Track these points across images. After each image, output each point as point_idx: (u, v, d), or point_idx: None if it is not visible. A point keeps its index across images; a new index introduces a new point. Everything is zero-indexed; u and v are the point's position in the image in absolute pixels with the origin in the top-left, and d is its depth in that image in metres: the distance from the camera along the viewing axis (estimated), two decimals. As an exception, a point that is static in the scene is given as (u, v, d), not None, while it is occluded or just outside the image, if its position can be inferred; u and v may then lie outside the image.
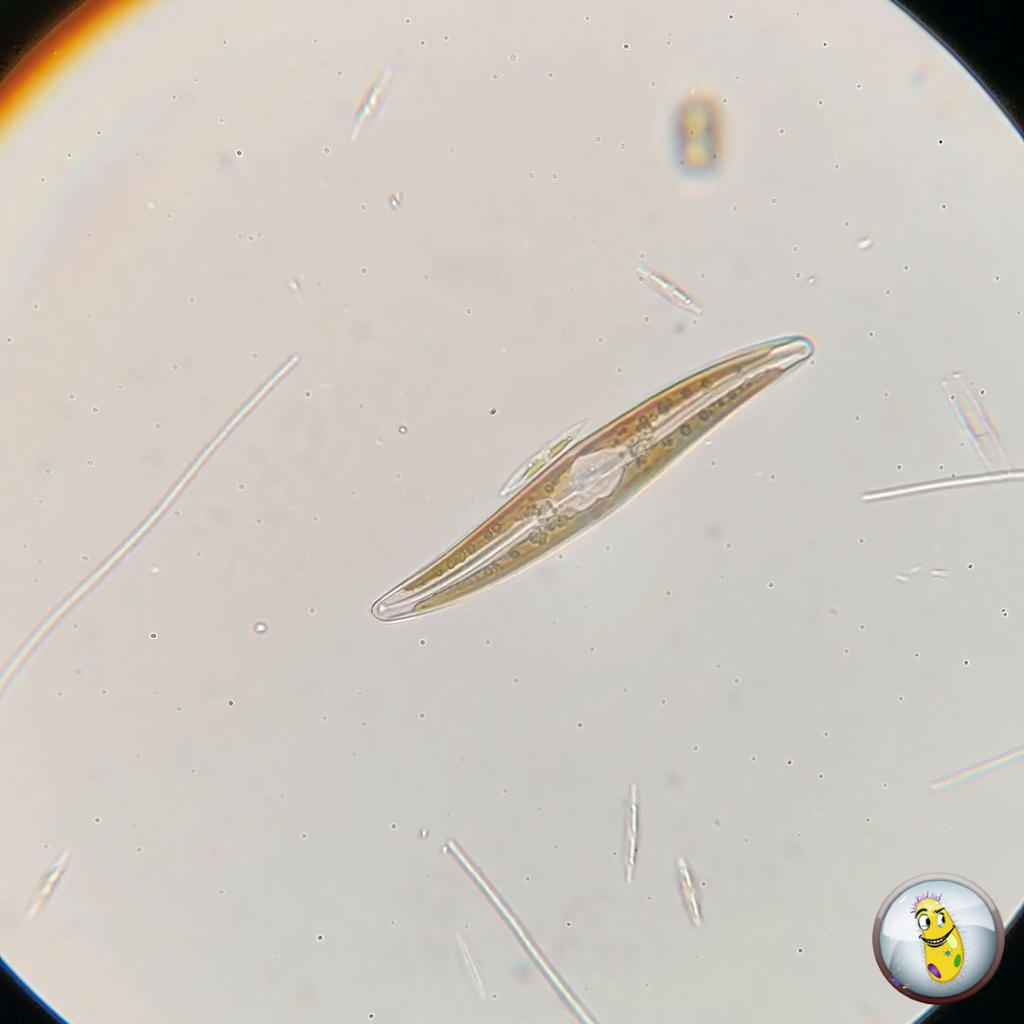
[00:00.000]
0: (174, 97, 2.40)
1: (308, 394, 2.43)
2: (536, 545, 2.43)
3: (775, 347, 2.41)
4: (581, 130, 2.40)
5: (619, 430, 2.42)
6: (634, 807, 2.43)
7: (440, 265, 2.42)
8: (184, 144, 2.41)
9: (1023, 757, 2.41)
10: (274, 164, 2.41)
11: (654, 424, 2.42)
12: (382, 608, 2.43)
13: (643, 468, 2.43)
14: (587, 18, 2.39)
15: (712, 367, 2.41)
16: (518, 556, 2.43)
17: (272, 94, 2.41)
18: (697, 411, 2.42)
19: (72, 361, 2.42)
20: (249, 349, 2.42)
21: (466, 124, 2.41)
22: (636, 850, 2.43)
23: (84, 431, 2.43)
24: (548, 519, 2.43)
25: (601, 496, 2.43)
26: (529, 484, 2.43)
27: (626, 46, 2.39)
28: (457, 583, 2.44)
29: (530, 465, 2.42)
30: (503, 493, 2.43)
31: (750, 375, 2.41)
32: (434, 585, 2.44)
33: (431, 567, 2.44)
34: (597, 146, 2.40)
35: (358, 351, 2.44)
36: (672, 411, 2.42)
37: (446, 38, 2.40)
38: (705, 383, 2.41)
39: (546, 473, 2.43)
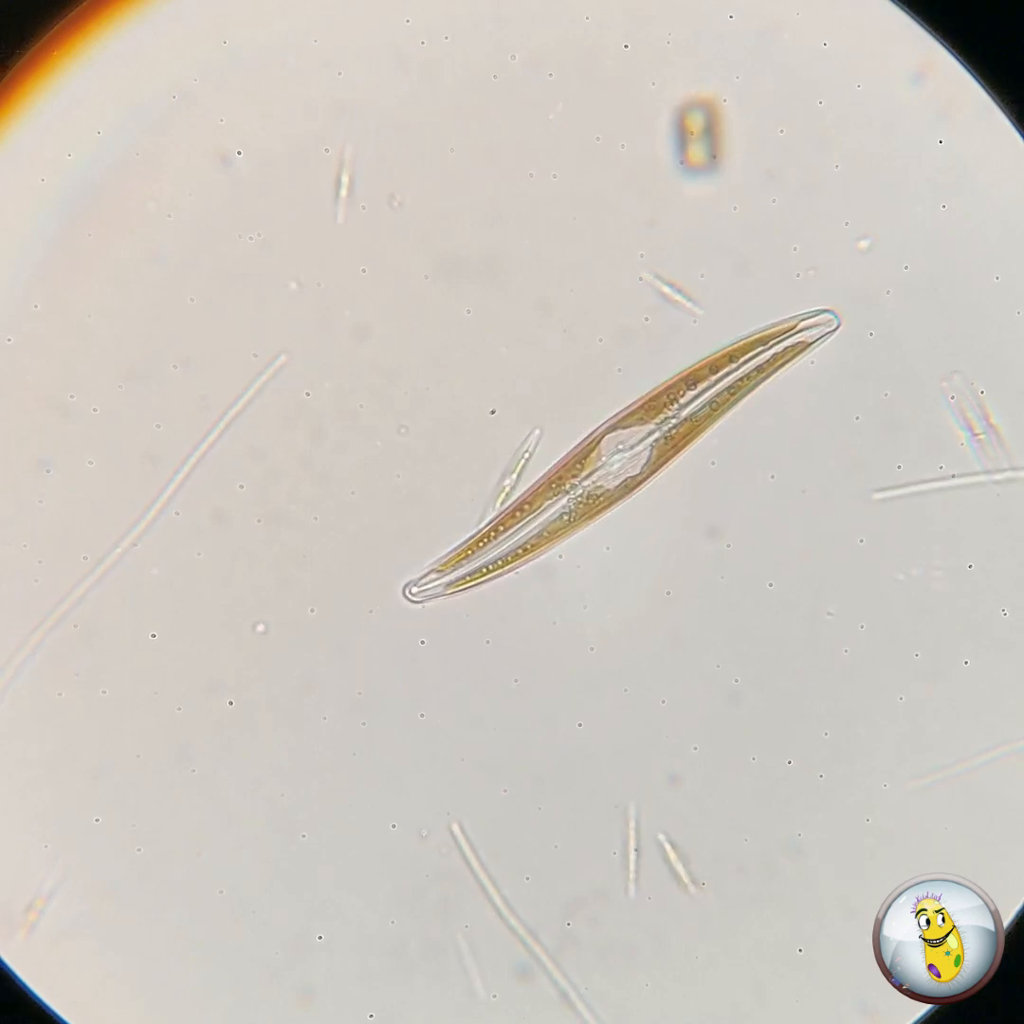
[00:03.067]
0: (174, 97, 2.40)
1: (308, 394, 2.43)
2: (566, 524, 2.42)
3: (802, 320, 2.40)
4: (581, 130, 2.40)
5: (647, 407, 2.41)
6: (633, 820, 2.43)
7: (440, 265, 2.42)
8: (184, 144, 2.41)
9: (1001, 755, 2.42)
10: (274, 164, 2.41)
11: (682, 400, 2.41)
12: (414, 590, 2.43)
13: (672, 445, 2.42)
14: (587, 18, 2.39)
15: (738, 342, 2.41)
16: (549, 535, 2.43)
17: (272, 94, 2.41)
18: (725, 386, 2.40)
19: (72, 361, 2.42)
20: (249, 349, 2.42)
21: (466, 124, 2.41)
22: (637, 863, 2.43)
23: (84, 431, 2.43)
24: (578, 497, 2.42)
25: (631, 474, 2.42)
26: (557, 464, 2.42)
27: (626, 46, 2.39)
28: (488, 563, 2.43)
29: (501, 488, 2.42)
30: (484, 521, 2.42)
31: (777, 348, 2.40)
32: (465, 566, 2.43)
33: (461, 549, 2.43)
34: (597, 146, 2.40)
35: (358, 351, 2.44)
36: (700, 387, 2.41)
37: (446, 38, 2.40)
38: (732, 358, 2.41)
39: (575, 453, 2.42)
